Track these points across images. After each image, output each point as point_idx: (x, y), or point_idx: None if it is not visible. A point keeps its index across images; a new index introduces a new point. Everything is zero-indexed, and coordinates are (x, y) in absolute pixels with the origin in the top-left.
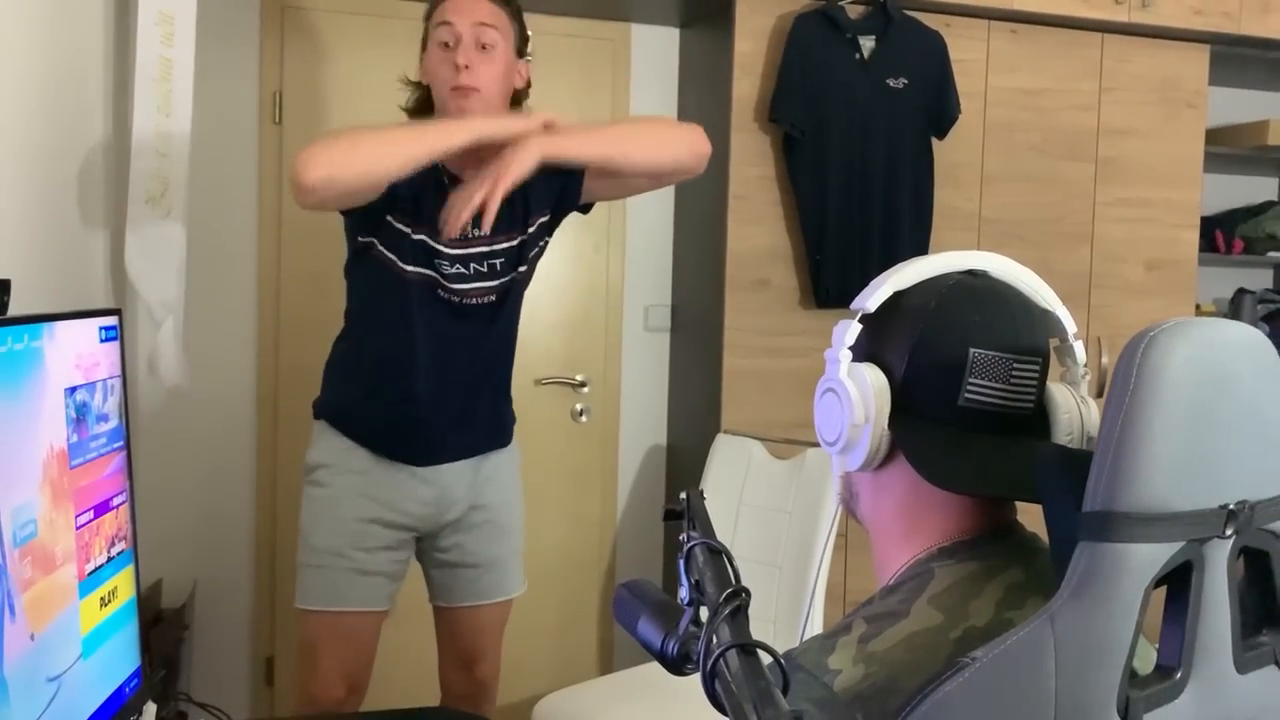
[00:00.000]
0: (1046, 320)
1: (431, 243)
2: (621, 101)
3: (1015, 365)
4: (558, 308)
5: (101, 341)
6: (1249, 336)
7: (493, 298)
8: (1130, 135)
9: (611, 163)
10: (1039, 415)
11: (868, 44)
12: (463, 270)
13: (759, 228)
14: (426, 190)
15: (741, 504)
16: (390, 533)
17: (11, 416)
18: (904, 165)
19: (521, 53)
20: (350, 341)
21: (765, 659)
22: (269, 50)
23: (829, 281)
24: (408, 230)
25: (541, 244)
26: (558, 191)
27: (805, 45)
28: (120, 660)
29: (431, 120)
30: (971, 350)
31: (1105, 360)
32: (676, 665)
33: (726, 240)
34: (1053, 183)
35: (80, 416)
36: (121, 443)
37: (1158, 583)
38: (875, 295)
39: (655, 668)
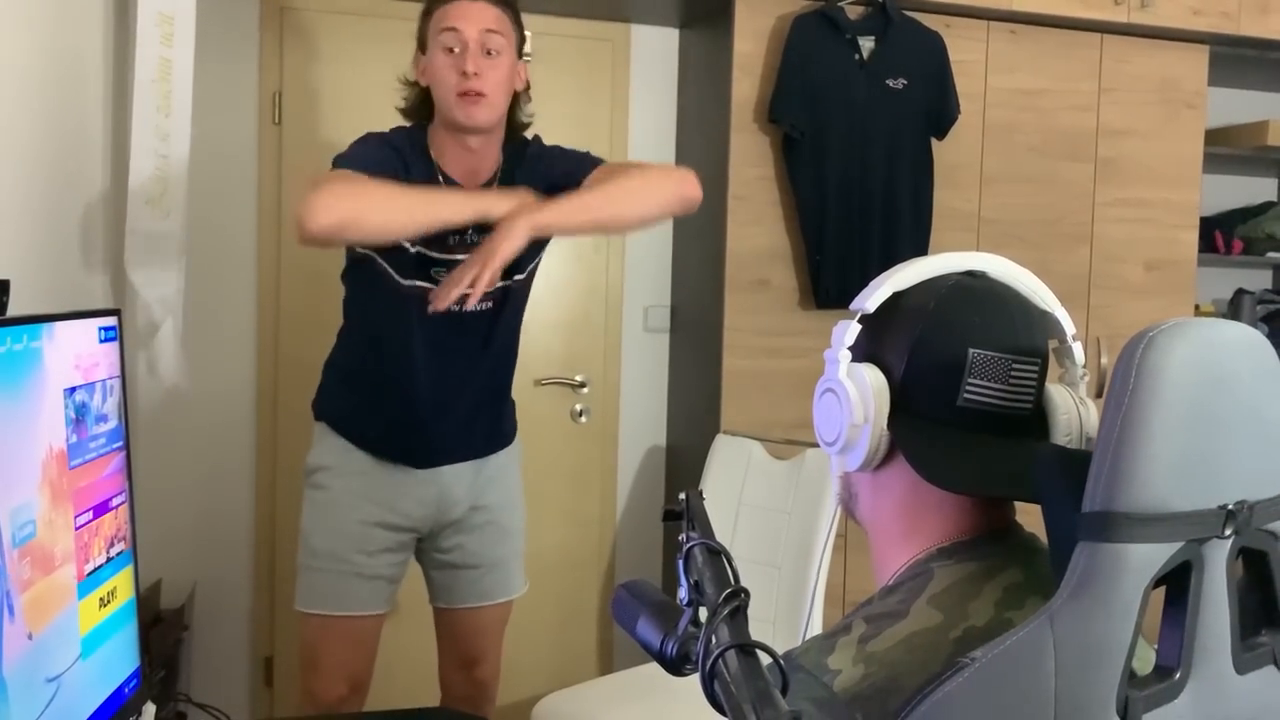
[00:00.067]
0: (1045, 321)
1: (429, 253)
2: (621, 102)
3: (1014, 366)
4: (557, 308)
5: (101, 342)
6: (1248, 337)
7: (489, 304)
8: (1129, 136)
9: (601, 228)
10: (1038, 416)
11: (867, 44)
12: None
13: (758, 228)
14: None
15: (741, 504)
16: (392, 535)
17: (11, 417)
18: (903, 166)
19: (521, 54)
20: (348, 349)
21: (764, 659)
22: (268, 51)
23: (828, 282)
24: (406, 244)
25: (538, 256)
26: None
27: (805, 46)
28: (119, 661)
29: (442, 191)
30: (970, 350)
31: (1104, 360)
32: (676, 666)
33: (726, 241)
34: (1052, 183)
35: (79, 417)
36: (121, 443)
37: (1157, 583)
38: (874, 296)
39: (654, 668)
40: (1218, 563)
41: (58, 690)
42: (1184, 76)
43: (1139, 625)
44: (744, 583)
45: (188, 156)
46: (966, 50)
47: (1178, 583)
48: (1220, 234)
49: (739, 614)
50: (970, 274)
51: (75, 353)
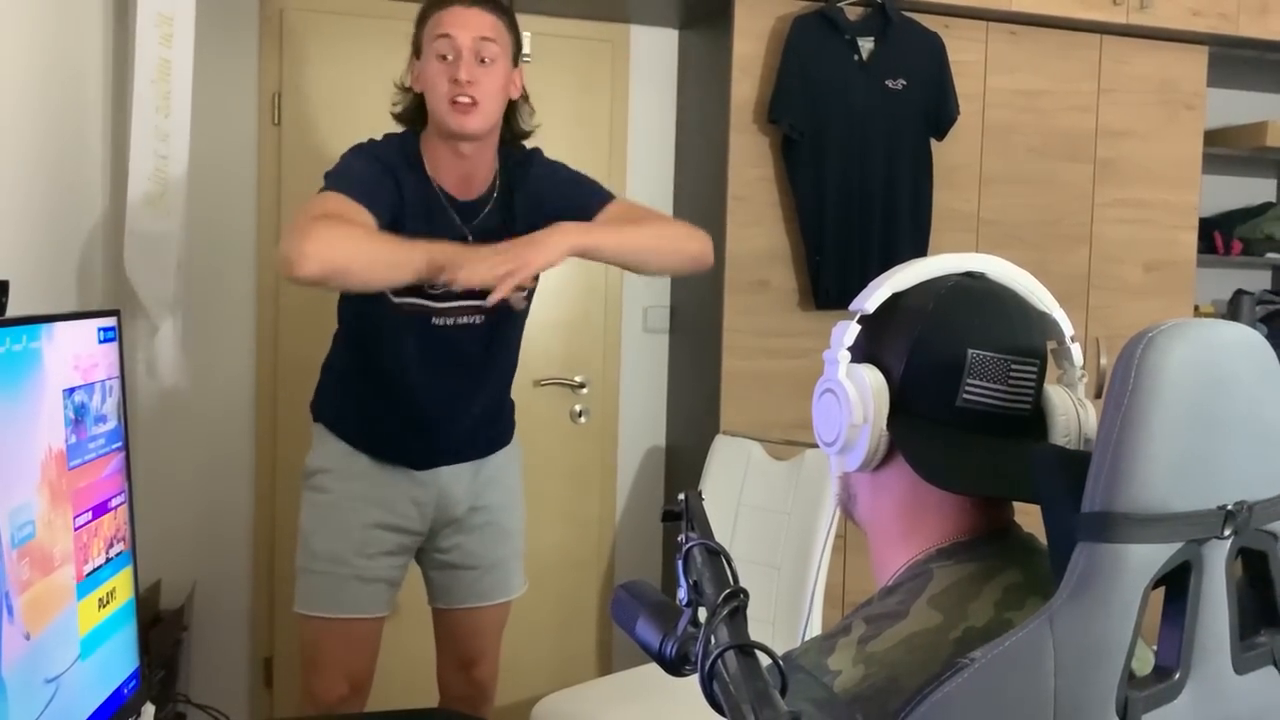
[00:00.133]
0: (1044, 322)
1: None
2: (621, 103)
3: (1013, 366)
4: (557, 309)
5: (100, 342)
6: (1247, 337)
7: (479, 318)
8: (1129, 136)
9: (627, 264)
10: (1037, 417)
11: (866, 45)
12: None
13: (758, 229)
14: (427, 215)
15: (740, 505)
16: (392, 537)
17: (10, 417)
18: (903, 166)
19: (516, 61)
20: (343, 356)
21: (764, 660)
22: (268, 52)
23: (828, 283)
24: None
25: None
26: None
27: (804, 46)
28: (119, 661)
29: (430, 245)
30: (969, 351)
31: (1104, 361)
32: (675, 666)
33: (725, 241)
34: (1051, 184)
35: (79, 417)
36: (120, 443)
37: (1156, 583)
38: (874, 297)
39: (654, 669)
40: (1217, 563)
41: (57, 691)
42: (1183, 77)
43: (1138, 625)
44: (743, 583)
45: (187, 157)
46: (966, 51)
47: (1177, 583)
48: (1219, 235)
49: (738, 614)
50: (969, 275)
51: (74, 353)
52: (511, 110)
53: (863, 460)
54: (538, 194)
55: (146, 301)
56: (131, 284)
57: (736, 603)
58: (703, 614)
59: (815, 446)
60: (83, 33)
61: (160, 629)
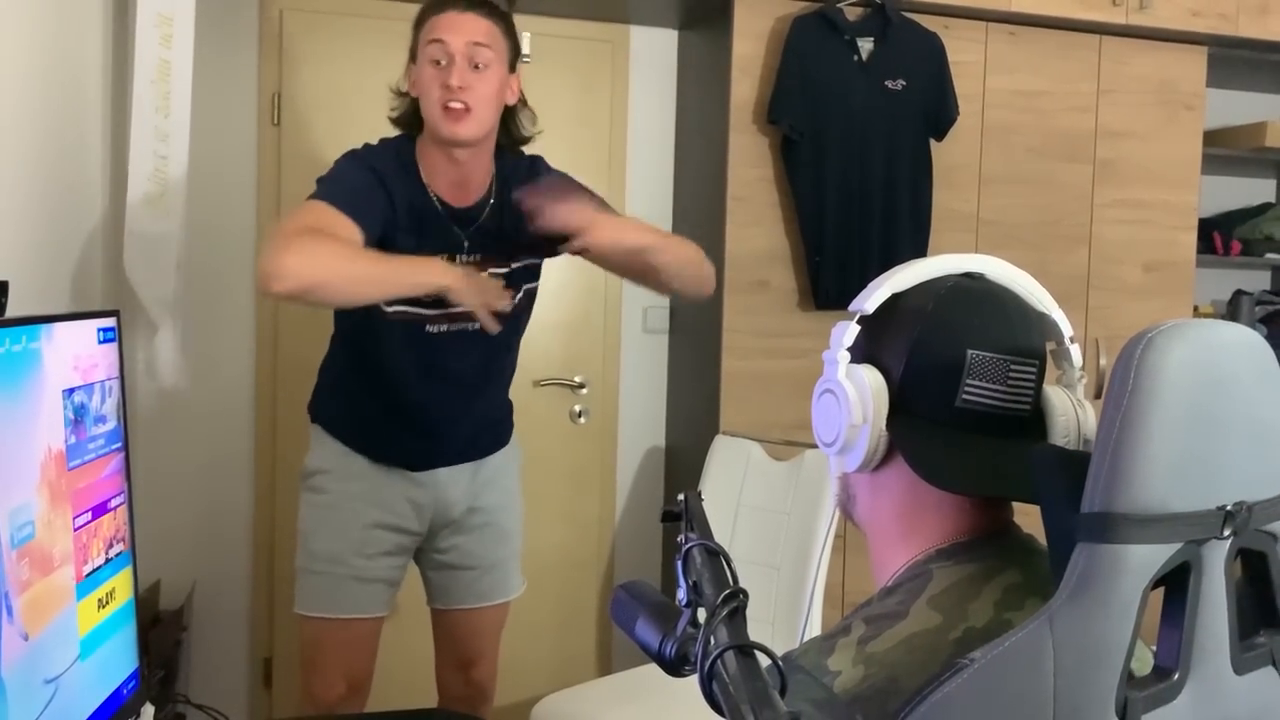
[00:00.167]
0: (1043, 323)
1: None
2: (620, 103)
3: (1012, 367)
4: (556, 309)
5: (100, 343)
6: (1246, 338)
7: (477, 325)
8: (1128, 137)
9: (650, 270)
10: (1036, 417)
11: (866, 46)
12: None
13: (758, 229)
14: (419, 222)
15: (740, 505)
16: (391, 537)
17: (9, 418)
18: (902, 167)
19: (513, 67)
20: (340, 362)
21: (763, 660)
22: (267, 52)
23: (828, 283)
24: None
25: (532, 286)
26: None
27: (804, 47)
28: (118, 662)
29: (411, 262)
30: (969, 352)
31: (1103, 362)
32: (674, 667)
33: (725, 242)
34: (1051, 184)
35: (78, 418)
36: (120, 444)
37: (1156, 584)
38: (873, 297)
39: (653, 669)
40: (1216, 563)
41: (56, 691)
42: (1182, 78)
43: (1138, 626)
44: (743, 584)
45: (187, 158)
46: (965, 51)
47: (1176, 583)
48: (1219, 235)
49: (737, 615)
50: (968, 275)
51: (74, 354)
52: (509, 116)
53: (862, 461)
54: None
55: (146, 302)
56: (131, 284)
57: (736, 603)
58: (702, 614)
59: (815, 447)
60: (82, 33)
61: (160, 629)
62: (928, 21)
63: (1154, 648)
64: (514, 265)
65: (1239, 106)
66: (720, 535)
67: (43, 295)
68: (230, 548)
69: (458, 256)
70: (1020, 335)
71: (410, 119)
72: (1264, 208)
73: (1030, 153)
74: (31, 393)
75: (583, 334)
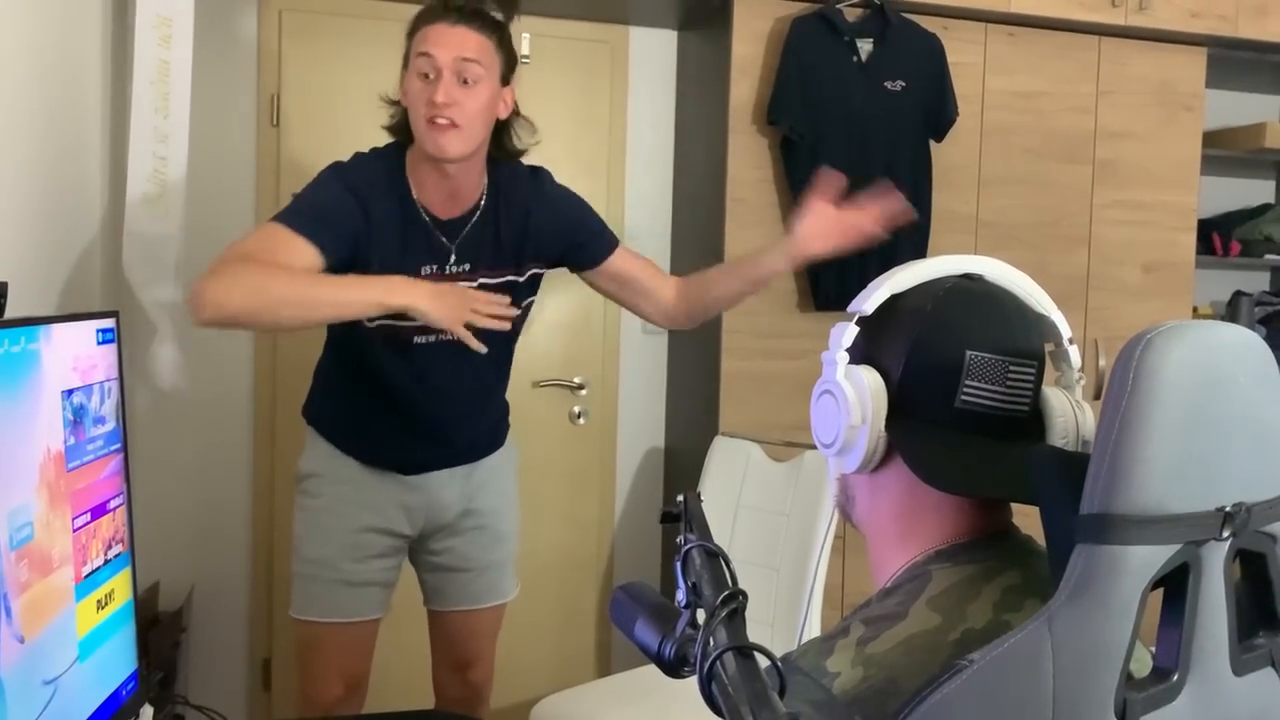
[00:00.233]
0: (1041, 324)
1: None
2: (620, 104)
3: (1011, 368)
4: (556, 310)
5: (99, 344)
6: (1245, 339)
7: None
8: (1127, 138)
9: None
10: (1035, 418)
11: (865, 47)
12: None
13: (757, 230)
14: (402, 233)
15: (739, 506)
16: (383, 539)
17: (8, 419)
18: (902, 168)
19: (507, 80)
20: (331, 367)
21: (762, 662)
22: (266, 53)
23: (827, 284)
24: None
25: (530, 300)
26: (567, 252)
27: (803, 48)
28: (117, 663)
29: (347, 282)
30: (968, 353)
31: (1103, 363)
32: (673, 668)
33: (725, 242)
34: (1050, 185)
35: (77, 419)
36: (119, 445)
37: (1155, 585)
38: (872, 298)
39: (653, 670)
40: (1215, 565)
41: (55, 693)
42: (1182, 79)
43: (1137, 627)
44: (742, 585)
45: (186, 159)
46: (964, 52)
47: (1175, 585)
48: (1218, 236)
49: (737, 616)
50: (967, 277)
51: (73, 355)
52: (502, 128)
53: (861, 462)
54: (550, 219)
55: (145, 303)
56: (130, 285)
57: (735, 604)
58: (701, 615)
59: (814, 448)
60: (82, 34)
61: (159, 631)
62: (927, 22)
63: (1153, 649)
64: (507, 278)
65: (1238, 107)
66: (719, 536)
67: (42, 296)
68: (229, 549)
69: (446, 267)
70: (1019, 336)
71: (404, 127)
72: (1263, 209)
73: (1029, 154)
74: (30, 394)
75: (582, 335)
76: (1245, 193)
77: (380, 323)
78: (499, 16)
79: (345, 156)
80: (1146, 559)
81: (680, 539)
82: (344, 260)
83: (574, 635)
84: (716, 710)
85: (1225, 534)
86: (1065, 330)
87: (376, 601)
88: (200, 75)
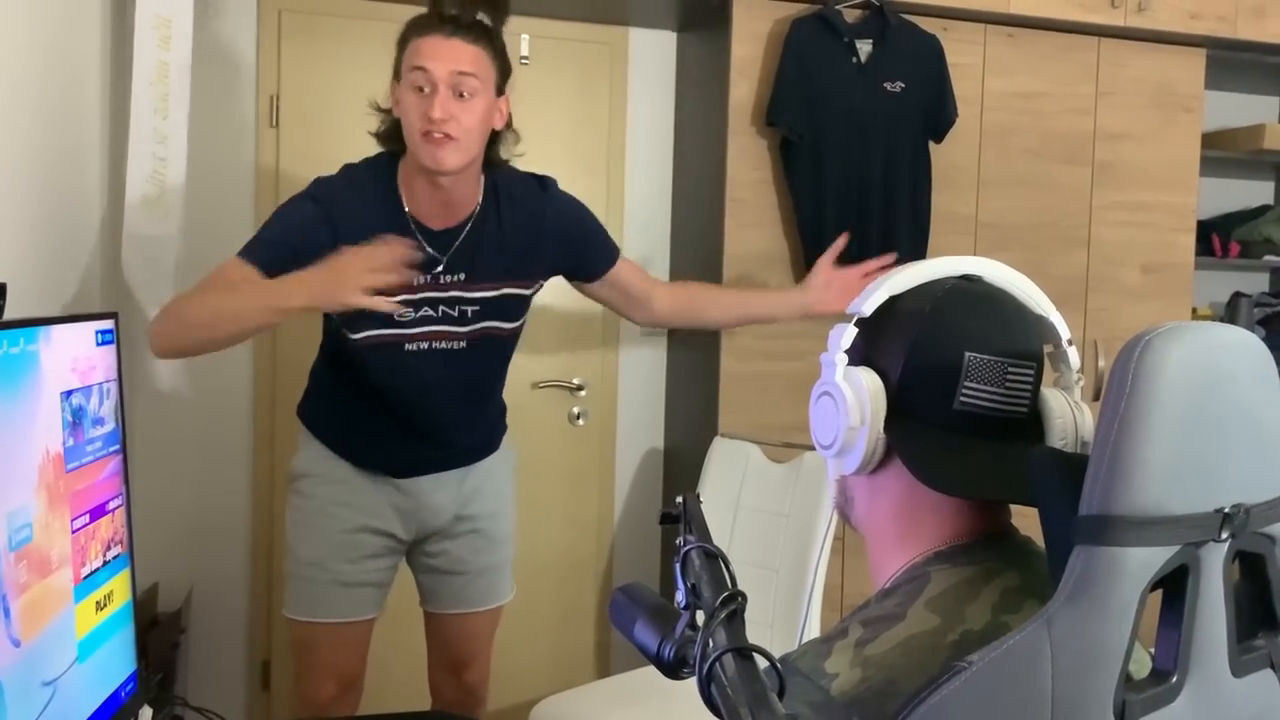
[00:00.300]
0: (1040, 325)
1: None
2: (619, 105)
3: (1010, 369)
4: (555, 311)
5: (98, 345)
6: (1244, 340)
7: (462, 344)
8: (1127, 139)
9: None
10: (1033, 420)
11: (865, 48)
12: (430, 313)
13: (756, 231)
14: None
15: (738, 507)
16: (377, 540)
17: (7, 420)
18: (901, 169)
19: (501, 90)
20: (325, 369)
21: (762, 663)
22: (266, 54)
23: None
24: None
25: (524, 311)
26: (575, 261)
27: (802, 49)
28: (116, 664)
29: (246, 292)
30: (966, 354)
31: (1102, 364)
32: (673, 669)
33: (724, 243)
34: (1049, 186)
35: (76, 420)
36: (117, 446)
37: (1154, 586)
38: (870, 300)
39: (652, 671)
40: (1214, 566)
41: (54, 694)
42: (1181, 80)
43: (1136, 628)
44: (741, 586)
45: (185, 159)
46: (964, 53)
47: (1174, 586)
48: (1217, 237)
49: (736, 617)
50: (966, 278)
51: (72, 356)
52: (493, 138)
53: (860, 463)
54: (562, 228)
55: (145, 304)
56: (129, 286)
57: (734, 605)
58: (700, 617)
59: (814, 449)
60: (81, 35)
61: (158, 632)
62: (926, 23)
63: (1152, 650)
64: (506, 290)
65: (1237, 109)
66: (718, 537)
67: (41, 297)
68: (228, 550)
69: (440, 278)
70: (1018, 338)
71: (393, 136)
72: (1262, 210)
73: (1029, 155)
74: (30, 395)
75: (582, 336)
76: (1244, 194)
77: (366, 335)
78: (488, 22)
79: (344, 157)
80: (1145, 560)
81: (679, 540)
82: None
83: (573, 636)
84: (716, 712)
85: (1224, 535)
86: (1064, 331)
87: (371, 602)
88: (199, 76)
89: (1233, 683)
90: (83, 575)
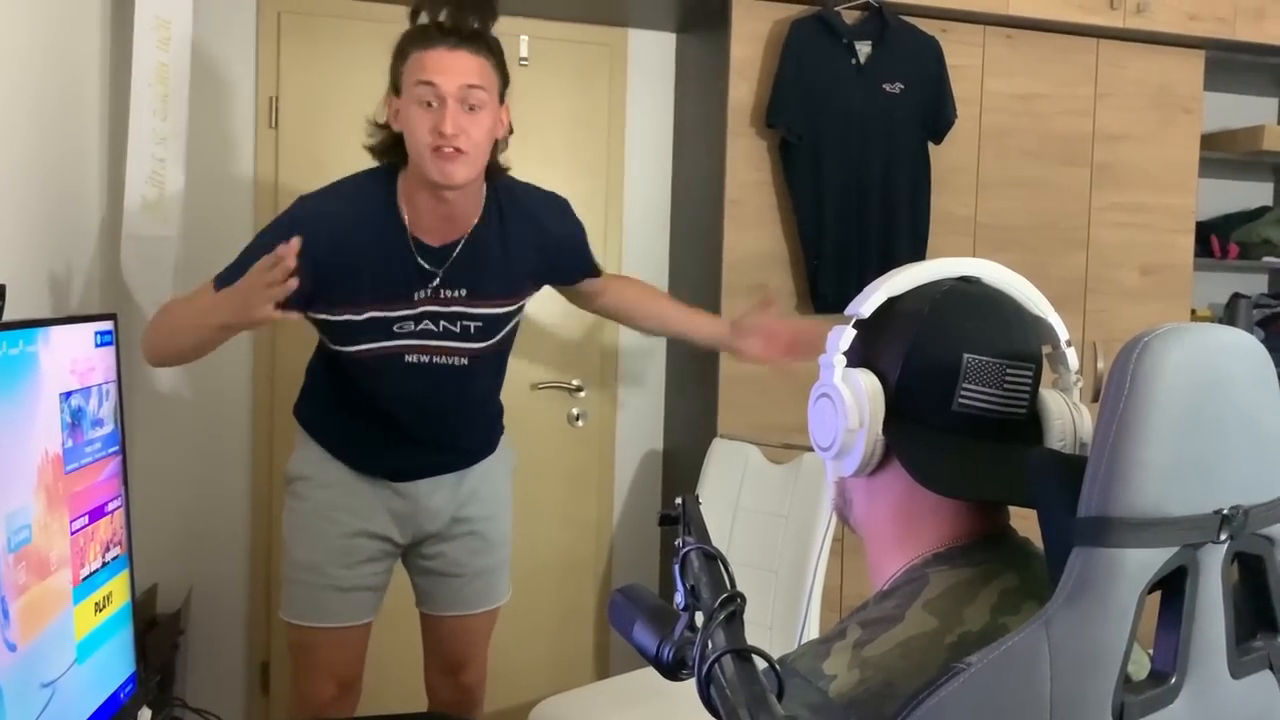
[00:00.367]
0: (1039, 326)
1: (383, 314)
2: (618, 106)
3: (1009, 371)
4: (555, 312)
5: (97, 346)
6: (1243, 342)
7: (464, 360)
8: (1126, 140)
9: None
10: (1032, 421)
11: (864, 49)
12: (431, 327)
13: (756, 232)
14: (388, 264)
15: (738, 508)
16: (373, 544)
17: (6, 421)
18: (901, 170)
19: (503, 98)
20: (321, 371)
21: (760, 664)
22: (265, 55)
23: (826, 286)
24: (352, 316)
25: (517, 318)
26: (557, 274)
27: (801, 50)
28: (115, 666)
29: (194, 308)
30: (965, 356)
31: (1101, 365)
32: (672, 671)
33: (723, 244)
34: (1048, 188)
35: (75, 421)
36: (116, 447)
37: (1152, 588)
38: (869, 301)
39: (651, 673)
40: (1213, 567)
41: (53, 695)
42: (1180, 81)
43: (1134, 630)
44: (740, 587)
45: (184, 161)
46: (963, 55)
47: (1173, 587)
48: (1216, 238)
49: (735, 619)
50: (964, 279)
51: (71, 357)
52: (494, 147)
53: (858, 465)
54: (561, 247)
55: (144, 305)
56: (129, 287)
57: (733, 607)
58: (699, 618)
59: (813, 450)
60: (81, 36)
61: (157, 633)
62: (925, 25)
63: (1151, 651)
64: (509, 306)
65: (1236, 110)
66: (718, 538)
67: (40, 298)
68: (227, 551)
69: (440, 293)
70: (1016, 339)
71: (389, 150)
72: (1261, 211)
73: (1028, 156)
74: (28, 396)
75: (581, 337)
76: (1243, 195)
77: (365, 348)
78: (477, 25)
79: (343, 158)
80: (1144, 562)
81: (678, 541)
82: (295, 301)
83: (572, 637)
84: (715, 713)
85: (1223, 537)
86: (1063, 332)
87: (367, 606)
88: (199, 77)
89: (1231, 684)
90: (82, 577)
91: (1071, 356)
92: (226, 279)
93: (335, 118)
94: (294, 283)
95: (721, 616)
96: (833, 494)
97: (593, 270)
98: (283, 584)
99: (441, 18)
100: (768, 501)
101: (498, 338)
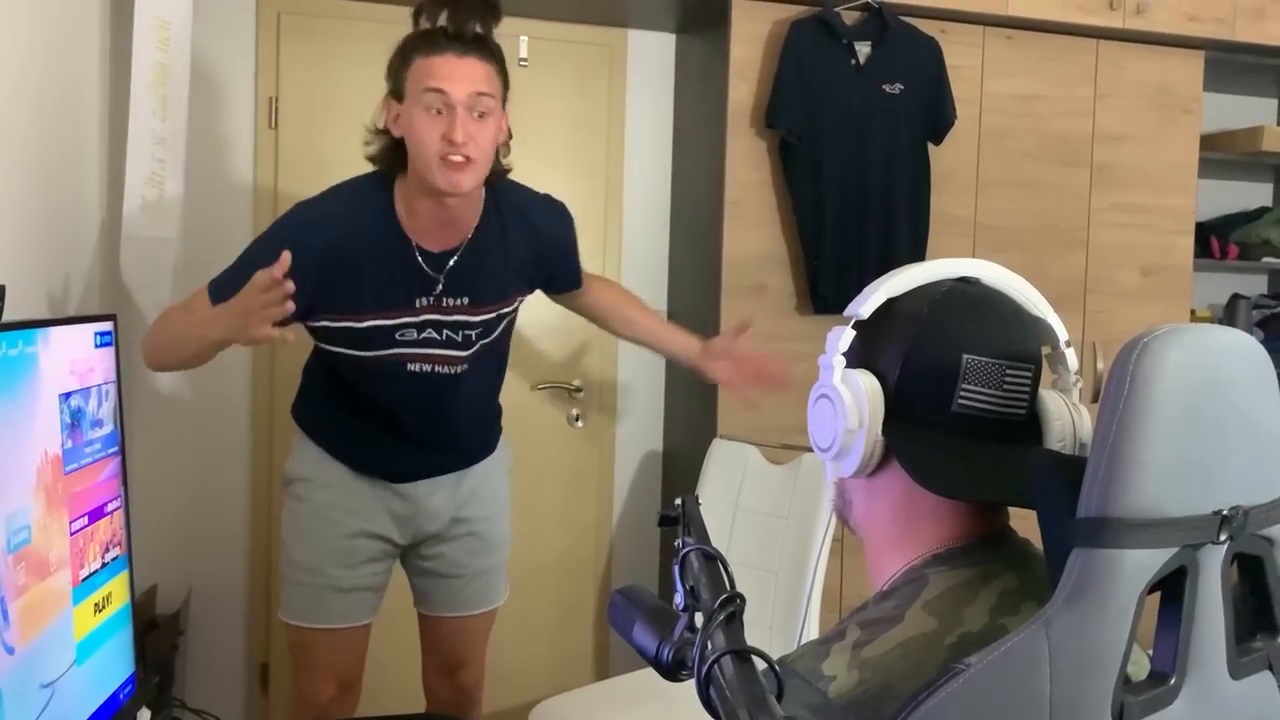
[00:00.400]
0: (1038, 327)
1: (384, 322)
2: (618, 107)
3: (1008, 371)
4: (554, 313)
5: (96, 347)
6: (1242, 342)
7: (464, 367)
8: (1125, 141)
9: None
10: (1032, 422)
11: (864, 50)
12: (434, 335)
13: (755, 233)
14: (389, 271)
15: (737, 509)
16: (372, 544)
17: (6, 422)
18: (900, 171)
19: (504, 103)
20: (319, 371)
21: (760, 665)
22: (265, 55)
23: (826, 287)
24: (353, 323)
25: (510, 320)
26: (547, 277)
27: (801, 51)
28: (114, 666)
29: (194, 321)
30: (964, 356)
31: (1100, 366)
32: (671, 671)
33: (723, 245)
34: (1048, 188)
35: (75, 422)
36: (116, 448)
37: (1152, 588)
38: (868, 302)
39: (650, 674)
40: (1212, 568)
41: (52, 696)
42: (1179, 82)
43: (1134, 630)
44: (740, 588)
45: (184, 161)
46: (963, 55)
47: (1173, 588)
48: (1216, 239)
49: (735, 619)
50: (964, 280)
51: (71, 358)
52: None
53: (858, 466)
54: (556, 249)
55: (143, 306)
56: (128, 288)
57: (733, 608)
58: (699, 619)
59: (812, 451)
60: (80, 37)
61: (156, 634)
62: (925, 26)
63: (1150, 652)
64: (505, 309)
65: (1236, 110)
66: (717, 539)
67: (40, 299)
68: (227, 552)
69: (443, 300)
70: (1015, 340)
71: (389, 157)
72: (1261, 212)
73: (1027, 157)
74: (28, 397)
75: (580, 338)
76: (1243, 196)
77: (369, 354)
78: (480, 29)
79: (342, 159)
80: (1143, 562)
81: (678, 542)
82: (294, 314)
83: (572, 638)
84: (714, 714)
85: (1222, 537)
86: (1062, 333)
87: (367, 606)
88: (198, 78)
89: (1231, 685)
90: (81, 577)
91: (1071, 357)
92: (222, 287)
93: (335, 118)
94: (291, 305)
95: (721, 617)
96: (832, 495)
97: (576, 280)
98: (282, 585)
99: (442, 20)
100: (767, 502)
101: (494, 336)
